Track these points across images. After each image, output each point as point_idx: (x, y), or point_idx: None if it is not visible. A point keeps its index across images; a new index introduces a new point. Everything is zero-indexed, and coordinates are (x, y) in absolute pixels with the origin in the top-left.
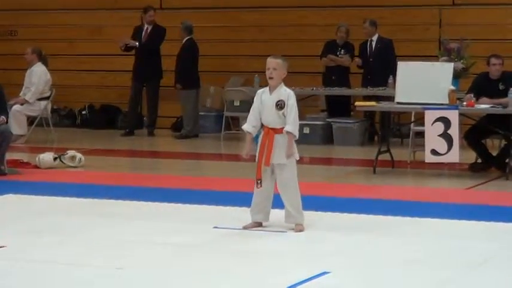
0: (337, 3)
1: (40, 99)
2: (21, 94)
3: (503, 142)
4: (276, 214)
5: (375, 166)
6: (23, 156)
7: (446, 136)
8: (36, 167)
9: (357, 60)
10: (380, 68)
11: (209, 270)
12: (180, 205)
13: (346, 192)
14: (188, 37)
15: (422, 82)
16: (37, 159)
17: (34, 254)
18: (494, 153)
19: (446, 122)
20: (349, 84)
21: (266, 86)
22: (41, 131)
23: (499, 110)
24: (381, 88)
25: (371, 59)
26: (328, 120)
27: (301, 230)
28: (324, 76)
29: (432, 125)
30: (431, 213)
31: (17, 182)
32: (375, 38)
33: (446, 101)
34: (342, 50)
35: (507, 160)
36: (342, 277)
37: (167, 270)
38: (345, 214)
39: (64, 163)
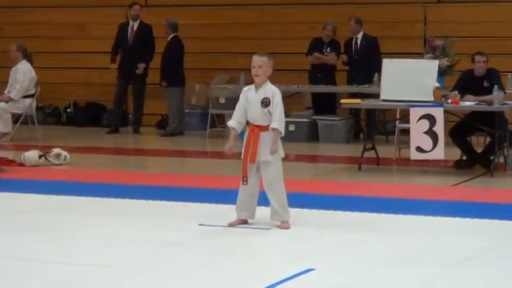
0: (323, 0)
1: (25, 97)
2: (5, 92)
3: (488, 139)
4: (262, 211)
5: (360, 163)
6: (8, 154)
7: (431, 133)
8: (21, 164)
9: (343, 57)
10: (365, 65)
11: (194, 268)
12: (165, 202)
13: (332, 189)
14: (173, 34)
15: (407, 79)
16: (22, 157)
17: (18, 252)
18: (479, 150)
19: (431, 119)
20: (335, 82)
21: (252, 83)
22: (26, 129)
23: (484, 107)
24: (366, 85)
25: (356, 57)
26: (313, 117)
27: (286, 228)
28: (309, 74)
29: (417, 122)
30: (417, 210)
31: (2, 180)
32: (360, 35)
33: (431, 98)
34: (328, 48)
35: (492, 157)
36: (327, 274)
37: (152, 268)
38: (330, 211)
39: (49, 161)
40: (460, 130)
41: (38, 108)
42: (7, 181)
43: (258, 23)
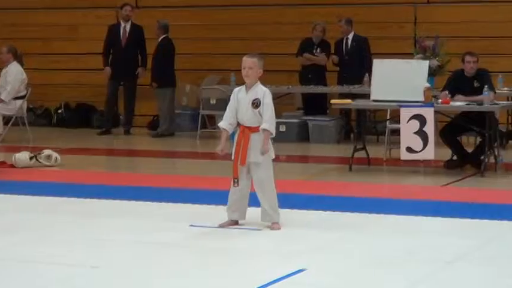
0: (313, 1)
1: (16, 99)
2: None
3: (479, 139)
4: (252, 212)
5: (351, 164)
6: None
7: (421, 133)
8: (12, 166)
9: (334, 57)
10: (355, 65)
11: (185, 269)
12: (156, 203)
13: (322, 189)
14: (164, 35)
15: (398, 80)
16: (13, 158)
17: (9, 252)
18: (470, 150)
19: (421, 119)
20: (325, 82)
21: (242, 84)
22: (17, 130)
23: (474, 107)
24: (356, 86)
25: (346, 57)
26: (304, 118)
27: (277, 228)
28: (300, 74)
29: (407, 122)
30: (407, 211)
31: None
32: (350, 36)
33: (422, 99)
34: (318, 48)
35: (482, 157)
36: (318, 275)
37: (143, 269)
38: (321, 212)
39: (40, 162)
40: (451, 130)
41: (28, 110)
42: None
43: (249, 23)
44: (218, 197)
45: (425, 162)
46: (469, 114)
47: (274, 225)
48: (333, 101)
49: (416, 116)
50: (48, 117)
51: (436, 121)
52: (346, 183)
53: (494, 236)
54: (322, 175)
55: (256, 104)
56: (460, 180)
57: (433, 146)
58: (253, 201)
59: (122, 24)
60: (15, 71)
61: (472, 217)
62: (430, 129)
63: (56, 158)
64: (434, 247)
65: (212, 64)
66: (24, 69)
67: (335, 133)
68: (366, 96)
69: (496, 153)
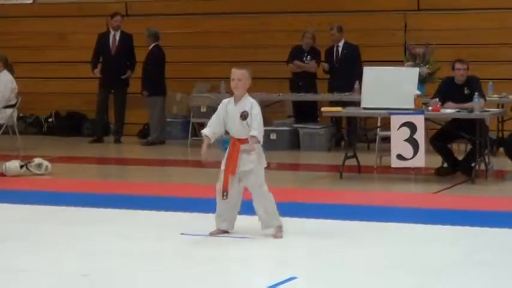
0: (303, 9)
1: (6, 107)
2: None
3: (469, 146)
4: (245, 220)
5: (342, 171)
6: None
7: (412, 141)
8: (2, 174)
9: (324, 65)
10: (346, 73)
11: (176, 277)
12: (147, 212)
13: (313, 197)
14: (154, 44)
15: (388, 87)
16: (3, 167)
17: None
18: (460, 158)
19: (412, 126)
20: (316, 90)
21: (232, 92)
22: (7, 139)
23: (465, 115)
24: (347, 93)
25: (337, 65)
26: (295, 125)
27: (279, 237)
28: (290, 82)
29: (398, 129)
30: (398, 218)
31: None
32: (341, 43)
33: (412, 106)
34: (308, 56)
35: (473, 164)
36: (309, 282)
37: (134, 278)
38: (312, 219)
39: (30, 171)
40: (441, 137)
41: (19, 118)
42: None
43: (239, 31)
44: (209, 205)
45: (416, 170)
46: (459, 121)
47: (277, 234)
48: (323, 109)
49: (406, 124)
50: (39, 125)
51: (427, 128)
52: (337, 191)
53: (485, 244)
54: (313, 183)
55: (244, 116)
56: (450, 187)
57: (423, 153)
58: (245, 209)
59: (112, 33)
60: (5, 80)
61: (463, 224)
62: (420, 136)
63: (47, 166)
64: (425, 254)
65: (202, 72)
66: (14, 77)
67: (326, 141)
68: (357, 103)
69: (487, 160)
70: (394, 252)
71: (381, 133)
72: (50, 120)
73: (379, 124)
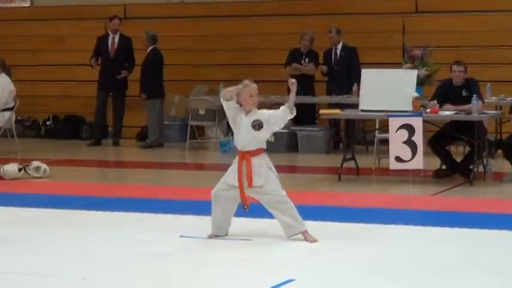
0: (301, 11)
1: (4, 110)
2: None
3: (467, 148)
4: (243, 222)
5: (340, 173)
6: None
7: (410, 143)
8: (0, 178)
9: (323, 67)
10: (344, 75)
11: (175, 280)
12: (145, 214)
13: (311, 199)
14: (153, 46)
15: (386, 89)
16: (1, 170)
17: None
18: (459, 160)
19: (410, 129)
20: (314, 92)
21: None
22: (5, 142)
23: (463, 117)
24: (345, 96)
25: (335, 67)
26: (293, 128)
27: (313, 240)
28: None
29: (396, 132)
30: (396, 220)
31: None
32: (339, 46)
33: (410, 108)
34: (306, 59)
35: (471, 166)
36: (307, 284)
37: (133, 280)
38: (310, 222)
39: (29, 174)
40: (440, 139)
41: (17, 121)
42: None
43: (237, 34)
44: (208, 208)
45: (414, 172)
46: (457, 123)
47: (308, 237)
48: (321, 111)
49: (405, 126)
50: (37, 128)
51: (425, 130)
52: (336, 193)
53: (483, 245)
54: (311, 185)
55: (258, 124)
56: (449, 189)
57: (421, 155)
58: (240, 212)
59: (111, 35)
60: (3, 83)
61: (462, 226)
62: (418, 138)
63: (45, 169)
64: (424, 256)
65: (201, 75)
66: (12, 80)
67: (324, 143)
68: (355, 106)
69: (485, 162)
70: (392, 254)
71: (379, 135)
72: (48, 123)
73: (377, 126)
